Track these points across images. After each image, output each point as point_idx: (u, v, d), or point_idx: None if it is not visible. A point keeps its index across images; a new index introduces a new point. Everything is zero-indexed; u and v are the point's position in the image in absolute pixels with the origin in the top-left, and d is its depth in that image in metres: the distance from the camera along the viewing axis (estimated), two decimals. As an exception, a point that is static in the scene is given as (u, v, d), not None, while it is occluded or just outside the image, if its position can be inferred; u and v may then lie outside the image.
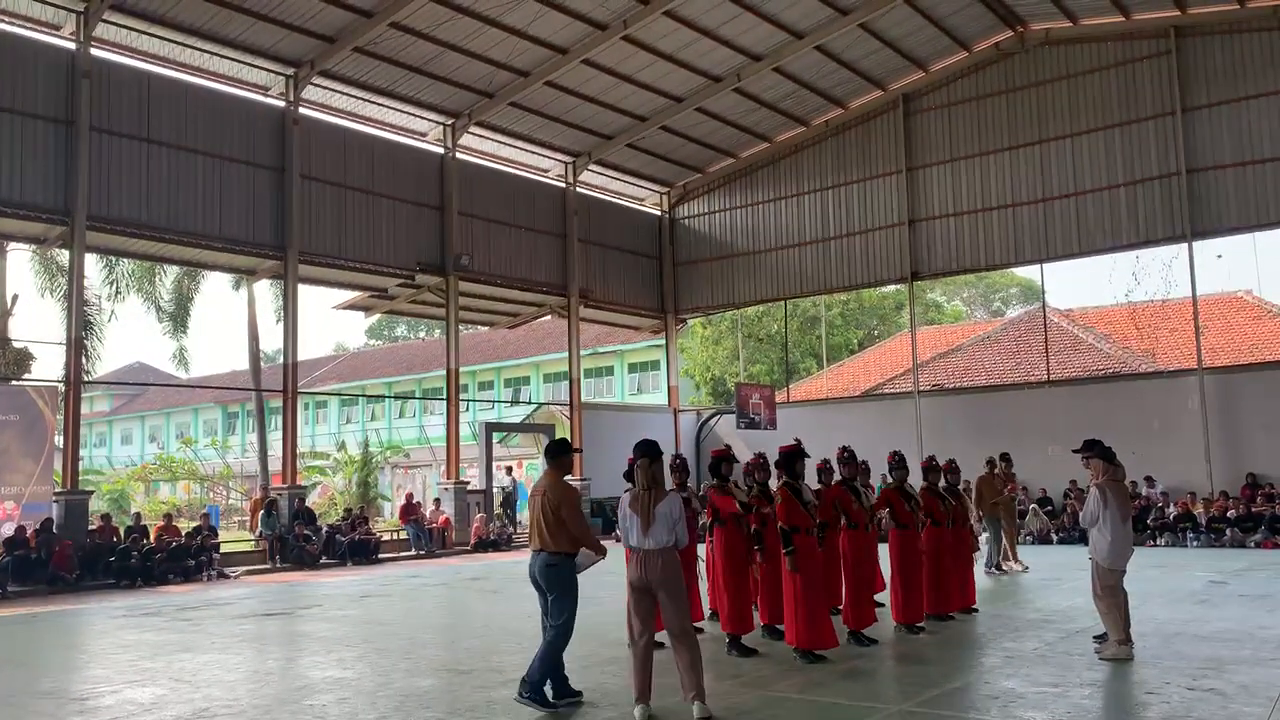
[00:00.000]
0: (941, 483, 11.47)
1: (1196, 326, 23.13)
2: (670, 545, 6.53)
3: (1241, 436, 22.06)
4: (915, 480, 11.06)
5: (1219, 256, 28.53)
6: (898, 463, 10.37)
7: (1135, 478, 22.35)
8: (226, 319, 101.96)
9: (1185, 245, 23.15)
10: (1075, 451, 9.10)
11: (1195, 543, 20.03)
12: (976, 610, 11.18)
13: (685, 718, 6.57)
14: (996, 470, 16.20)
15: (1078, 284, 69.26)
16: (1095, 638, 8.65)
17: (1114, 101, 24.00)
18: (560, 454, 7.19)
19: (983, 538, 15.30)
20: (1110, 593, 8.47)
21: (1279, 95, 22.01)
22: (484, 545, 23.84)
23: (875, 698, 7.31)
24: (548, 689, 6.97)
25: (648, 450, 6.68)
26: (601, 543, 7.26)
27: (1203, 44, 22.98)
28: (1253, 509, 20.16)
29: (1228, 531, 19.86)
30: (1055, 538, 21.67)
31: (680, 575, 6.63)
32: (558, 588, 6.92)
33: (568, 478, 7.22)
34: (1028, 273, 42.47)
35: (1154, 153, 23.40)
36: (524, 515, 30.60)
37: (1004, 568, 15.56)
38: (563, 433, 29.02)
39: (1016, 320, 34.82)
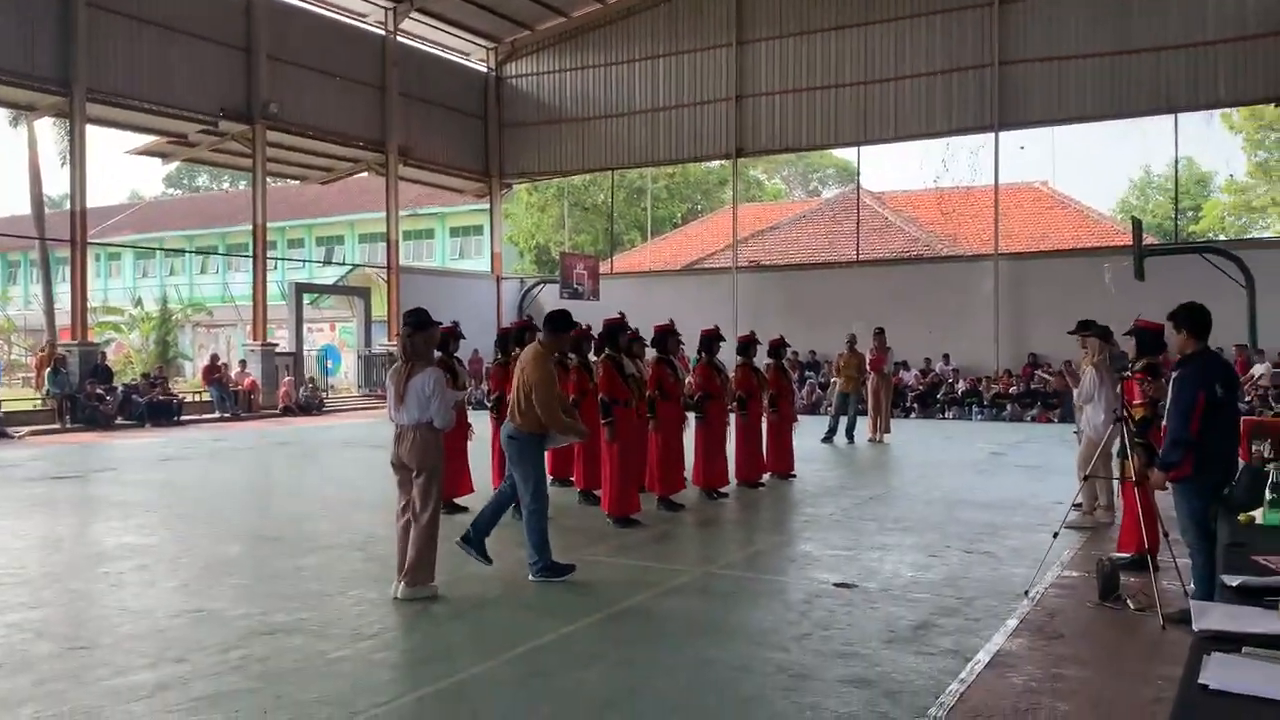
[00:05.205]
0: (761, 359, 11.79)
1: (996, 214, 24.46)
2: (425, 422, 6.18)
3: (1027, 319, 23.72)
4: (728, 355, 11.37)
5: (1021, 148, 30.05)
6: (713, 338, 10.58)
7: (932, 354, 23.87)
8: (3, 158, 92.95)
9: (992, 135, 24.24)
10: (1071, 333, 8.85)
11: (980, 416, 21.68)
12: (794, 476, 11.76)
13: (466, 589, 6.65)
14: (856, 348, 16.82)
15: (891, 168, 72.17)
16: (1075, 505, 8.07)
17: (939, -13, 24.47)
18: (557, 329, 6.90)
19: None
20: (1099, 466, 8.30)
21: (1089, -7, 23.02)
22: (292, 410, 23.24)
23: (682, 561, 7.64)
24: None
25: (411, 320, 6.37)
26: (578, 424, 7.11)
27: (1024, -63, 23.62)
28: (1031, 386, 21.89)
29: (1009, 406, 21.56)
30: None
31: (436, 454, 6.27)
32: (515, 461, 6.76)
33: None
34: (845, 154, 43.61)
35: (970, 43, 24.12)
36: (334, 380, 29.96)
37: (873, 439, 16.30)
38: (380, 297, 28.31)
39: (832, 201, 35.92)
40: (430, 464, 6.24)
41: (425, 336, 6.37)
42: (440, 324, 6.89)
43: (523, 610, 6.13)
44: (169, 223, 48.09)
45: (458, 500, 9.40)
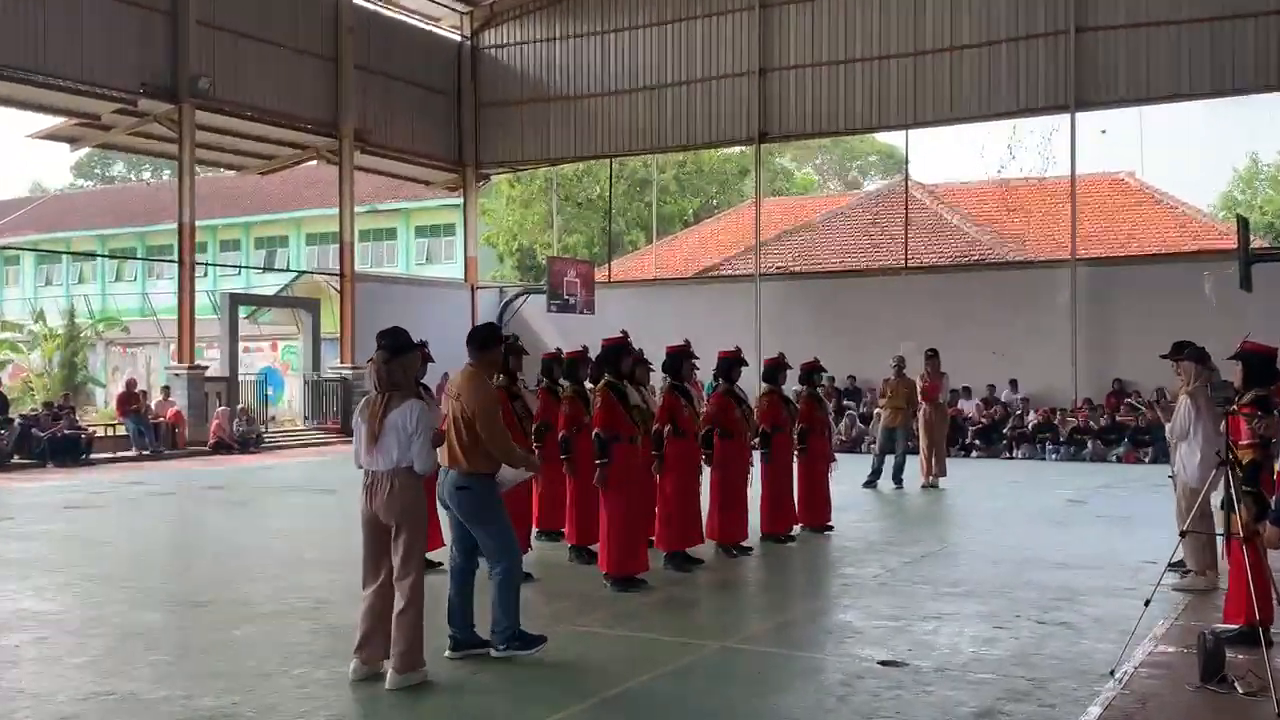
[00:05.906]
0: (791, 386, 11.79)
1: (1074, 211, 24.47)
2: (405, 466, 6.12)
3: (1110, 338, 23.67)
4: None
5: (1103, 131, 30.13)
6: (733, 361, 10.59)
7: (997, 381, 23.86)
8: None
9: (1068, 116, 24.29)
10: (1164, 356, 9.05)
11: (1055, 455, 21.62)
12: (831, 529, 11.75)
13: (429, 668, 6.61)
14: (905, 372, 16.75)
15: (947, 155, 72.08)
16: (1171, 565, 8.18)
17: (1003, -61, 24.62)
18: (487, 345, 6.82)
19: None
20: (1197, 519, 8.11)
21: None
22: (226, 446, 23.26)
23: (694, 633, 7.60)
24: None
25: (386, 342, 6.27)
26: (529, 455, 7.19)
27: (1104, -120, 23.76)
28: (1117, 419, 21.84)
29: (1089, 444, 21.51)
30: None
31: (418, 505, 6.26)
32: (473, 515, 6.62)
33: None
34: (891, 139, 43.77)
35: (1042, 5, 24.16)
36: (275, 410, 30.00)
37: (925, 483, 16.20)
38: (331, 309, 28.38)
39: (875, 195, 35.99)
40: (413, 518, 6.19)
41: (404, 362, 6.31)
42: (421, 345, 6.90)
43: (495, 694, 6.10)
44: (78, 220, 48.30)
45: (427, 556, 9.39)
